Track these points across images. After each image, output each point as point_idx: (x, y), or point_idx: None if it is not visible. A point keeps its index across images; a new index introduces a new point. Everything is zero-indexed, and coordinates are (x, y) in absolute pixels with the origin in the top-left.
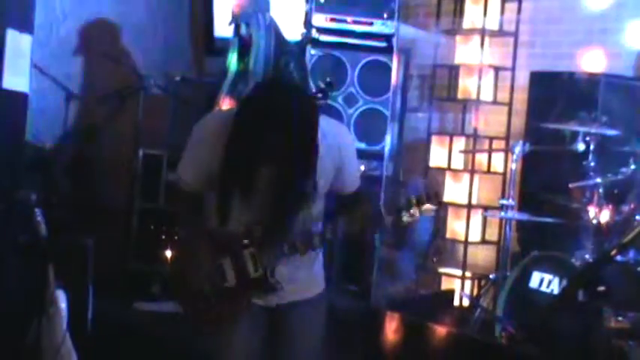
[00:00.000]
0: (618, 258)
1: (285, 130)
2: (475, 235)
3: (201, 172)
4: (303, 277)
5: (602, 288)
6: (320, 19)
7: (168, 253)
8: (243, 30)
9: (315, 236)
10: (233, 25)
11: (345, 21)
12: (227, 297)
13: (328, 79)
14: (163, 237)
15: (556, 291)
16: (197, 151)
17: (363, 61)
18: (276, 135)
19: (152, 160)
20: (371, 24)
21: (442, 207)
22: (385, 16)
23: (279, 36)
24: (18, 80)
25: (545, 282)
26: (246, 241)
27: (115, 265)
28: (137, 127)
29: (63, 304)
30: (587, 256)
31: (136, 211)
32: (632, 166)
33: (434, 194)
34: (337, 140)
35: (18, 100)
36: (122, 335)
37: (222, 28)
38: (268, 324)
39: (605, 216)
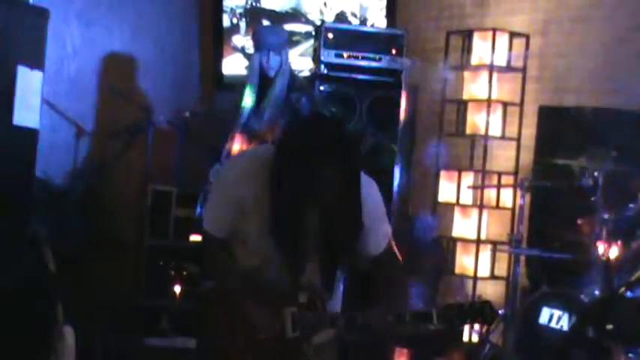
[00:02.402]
0: (628, 294)
1: (332, 169)
2: (484, 271)
3: (230, 222)
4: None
5: (610, 327)
6: (329, 55)
7: (177, 289)
8: (264, 62)
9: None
10: (252, 57)
11: (353, 57)
12: (255, 345)
13: (332, 110)
14: (173, 273)
15: (566, 327)
16: (226, 198)
17: (372, 97)
18: (323, 174)
19: (161, 196)
20: (380, 60)
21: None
22: (394, 52)
23: (291, 73)
24: (28, 116)
25: (554, 318)
26: (291, 302)
27: (124, 301)
28: (147, 162)
29: (71, 341)
30: (596, 292)
31: (145, 246)
32: None
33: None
34: (361, 191)
35: (28, 136)
36: None
37: (231, 64)
38: (279, 350)
39: (614, 252)
